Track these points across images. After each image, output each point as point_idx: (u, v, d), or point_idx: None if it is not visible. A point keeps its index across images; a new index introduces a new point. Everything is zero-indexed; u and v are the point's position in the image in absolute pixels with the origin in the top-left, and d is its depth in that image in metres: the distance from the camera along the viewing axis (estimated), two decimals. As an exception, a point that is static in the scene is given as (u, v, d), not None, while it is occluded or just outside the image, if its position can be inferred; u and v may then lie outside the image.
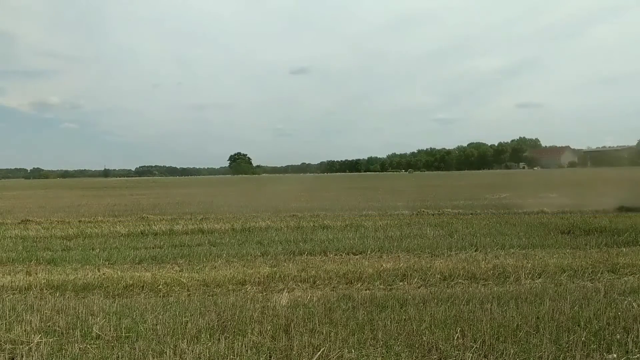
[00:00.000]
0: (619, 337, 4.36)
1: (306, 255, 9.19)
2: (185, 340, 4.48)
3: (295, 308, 5.45)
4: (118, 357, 4.17)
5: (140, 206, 22.60)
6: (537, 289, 6.18)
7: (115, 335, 4.68)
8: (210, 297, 6.23)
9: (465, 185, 39.31)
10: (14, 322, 5.11)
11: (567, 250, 8.98)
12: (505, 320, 4.88)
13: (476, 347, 4.26)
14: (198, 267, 8.25)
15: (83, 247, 10.55)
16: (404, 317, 5.05)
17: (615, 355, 4.03)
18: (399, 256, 8.81)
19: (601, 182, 26.58)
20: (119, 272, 7.71)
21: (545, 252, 8.84)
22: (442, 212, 16.48)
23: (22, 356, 4.22)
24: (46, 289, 6.74)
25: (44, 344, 4.42)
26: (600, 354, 4.08)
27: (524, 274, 6.99)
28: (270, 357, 4.15)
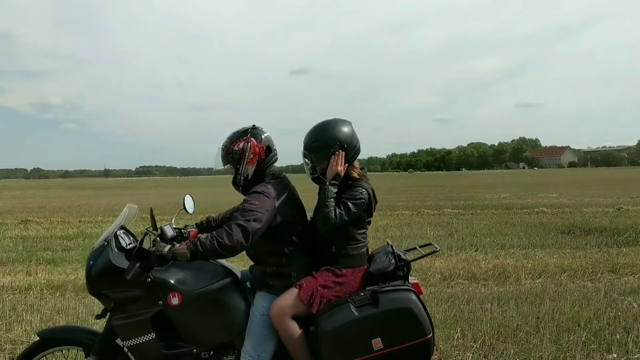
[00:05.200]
0: (619, 337, 4.36)
1: (306, 255, 9.17)
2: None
3: (295, 308, 5.44)
4: (118, 357, 4.17)
5: (141, 206, 22.53)
6: (537, 289, 6.18)
7: (115, 335, 4.67)
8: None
9: (465, 185, 39.29)
10: (14, 322, 5.11)
11: (567, 250, 8.97)
12: (505, 320, 4.88)
13: (476, 347, 4.26)
14: (198, 267, 8.24)
15: (83, 247, 10.53)
16: (404, 317, 5.04)
17: (615, 355, 4.03)
18: (399, 256, 8.79)
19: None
20: (119, 272, 7.70)
21: (545, 252, 8.83)
22: (442, 212, 16.47)
23: (22, 356, 4.21)
24: (46, 289, 6.74)
25: (44, 344, 4.42)
26: (600, 354, 4.07)
27: (524, 274, 6.99)
28: (270, 357, 4.14)
